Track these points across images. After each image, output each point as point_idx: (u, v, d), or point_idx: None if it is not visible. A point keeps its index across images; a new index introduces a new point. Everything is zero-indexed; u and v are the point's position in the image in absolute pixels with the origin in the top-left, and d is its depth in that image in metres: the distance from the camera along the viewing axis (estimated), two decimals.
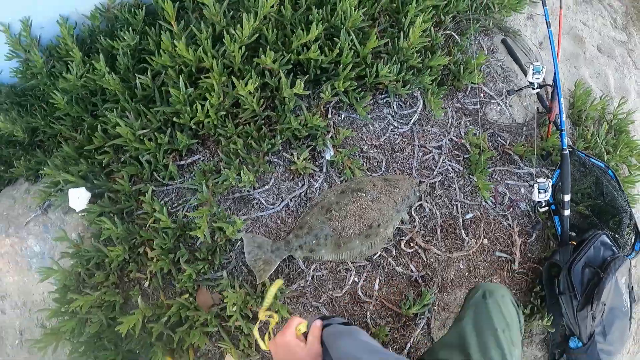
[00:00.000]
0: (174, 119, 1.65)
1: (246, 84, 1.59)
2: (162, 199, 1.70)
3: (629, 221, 1.87)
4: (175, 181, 1.71)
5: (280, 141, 1.67)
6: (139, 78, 1.68)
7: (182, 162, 1.72)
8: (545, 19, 1.82)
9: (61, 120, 1.82)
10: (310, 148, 1.70)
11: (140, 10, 1.78)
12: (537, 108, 2.14)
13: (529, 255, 1.87)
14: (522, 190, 1.91)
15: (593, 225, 1.89)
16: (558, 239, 1.87)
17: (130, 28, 1.77)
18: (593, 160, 1.94)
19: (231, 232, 1.60)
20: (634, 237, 1.91)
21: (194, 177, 1.68)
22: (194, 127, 1.68)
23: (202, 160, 1.73)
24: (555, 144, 1.93)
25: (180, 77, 1.63)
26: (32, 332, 1.81)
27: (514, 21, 2.40)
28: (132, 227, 1.64)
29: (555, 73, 1.83)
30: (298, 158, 1.65)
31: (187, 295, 1.60)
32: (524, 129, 2.00)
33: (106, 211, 1.66)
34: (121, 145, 1.69)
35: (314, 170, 1.69)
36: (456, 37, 2.04)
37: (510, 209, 1.86)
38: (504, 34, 2.32)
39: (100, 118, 1.73)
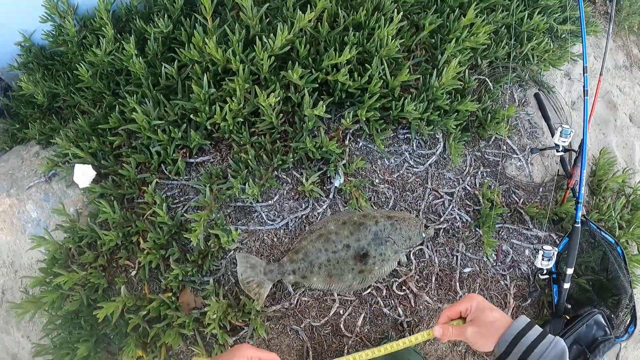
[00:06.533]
0: (191, 115, 1.63)
1: (268, 96, 1.57)
2: (165, 192, 1.69)
3: (627, 302, 1.82)
4: (181, 177, 1.69)
5: (292, 159, 1.65)
6: (165, 67, 1.67)
7: (192, 160, 1.71)
8: (584, 87, 1.77)
9: (82, 93, 1.82)
10: (321, 172, 1.67)
11: None
12: (558, 171, 2.09)
13: None
14: (527, 252, 1.86)
15: (590, 300, 1.84)
16: (553, 309, 1.83)
17: (166, 14, 1.75)
18: (604, 234, 1.88)
19: (225, 242, 1.58)
20: (629, 319, 1.86)
21: (200, 178, 1.66)
22: (209, 127, 1.66)
23: (211, 163, 1.71)
24: (569, 211, 1.88)
25: (205, 75, 1.61)
26: (13, 293, 1.82)
27: (550, 76, 2.33)
28: (130, 215, 1.63)
29: (583, 142, 1.78)
30: (307, 179, 1.63)
31: (170, 294, 1.59)
32: (541, 189, 1.96)
33: (107, 193, 1.66)
34: (134, 131, 1.67)
35: (320, 195, 1.66)
36: (489, 83, 1.99)
37: (511, 269, 1.81)
38: (538, 88, 2.26)
39: (120, 100, 1.73)
